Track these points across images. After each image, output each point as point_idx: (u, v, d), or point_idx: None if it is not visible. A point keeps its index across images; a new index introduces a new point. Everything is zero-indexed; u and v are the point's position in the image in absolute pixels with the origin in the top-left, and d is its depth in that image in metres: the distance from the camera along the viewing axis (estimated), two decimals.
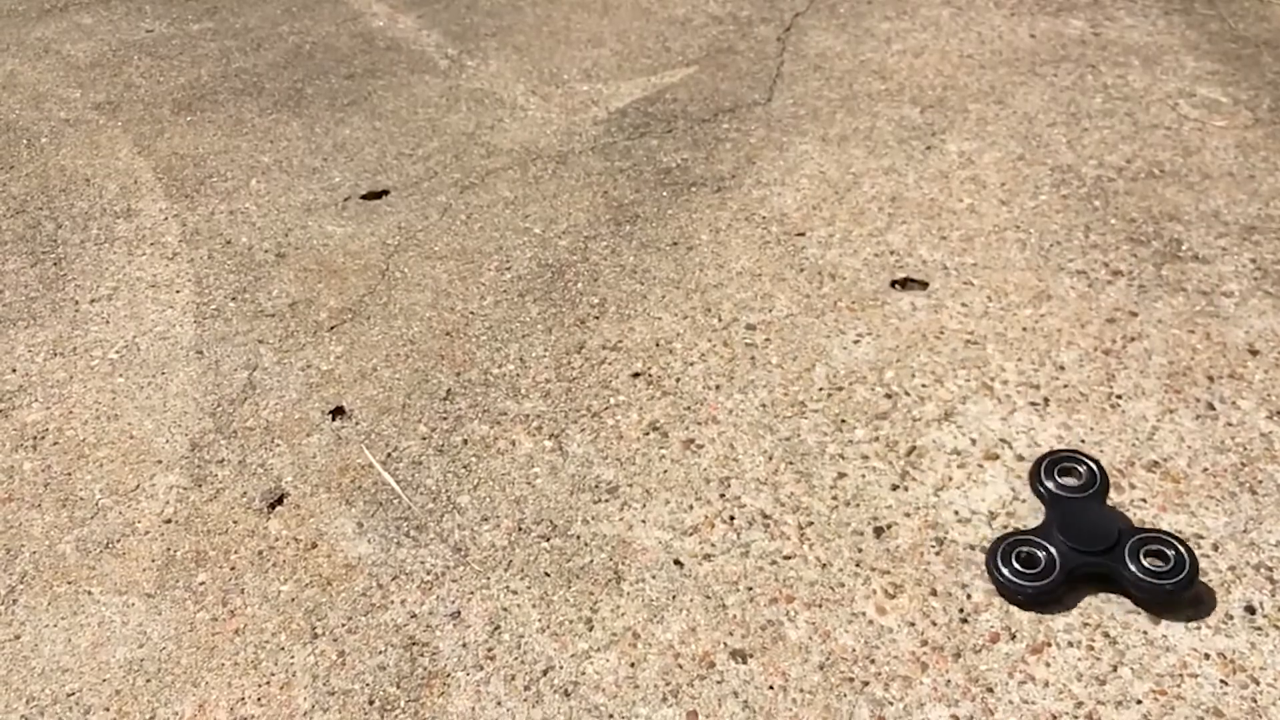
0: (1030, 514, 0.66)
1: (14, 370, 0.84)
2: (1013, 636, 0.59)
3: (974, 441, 0.72)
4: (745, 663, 0.58)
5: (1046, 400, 0.75)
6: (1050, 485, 0.64)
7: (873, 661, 0.58)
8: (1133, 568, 0.59)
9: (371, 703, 0.57)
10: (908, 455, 0.72)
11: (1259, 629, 0.58)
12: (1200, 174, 1.01)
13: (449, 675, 0.59)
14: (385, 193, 1.06)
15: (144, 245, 0.99)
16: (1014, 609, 0.60)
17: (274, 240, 0.99)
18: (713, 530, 0.67)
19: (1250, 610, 0.60)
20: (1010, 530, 0.64)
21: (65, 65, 1.38)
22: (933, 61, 1.27)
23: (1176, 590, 0.58)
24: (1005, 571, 0.60)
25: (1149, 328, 0.82)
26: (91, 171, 1.12)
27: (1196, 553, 0.63)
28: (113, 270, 0.96)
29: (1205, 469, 0.69)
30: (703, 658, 0.59)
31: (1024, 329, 0.82)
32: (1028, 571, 0.60)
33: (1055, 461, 0.66)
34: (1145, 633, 0.59)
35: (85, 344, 0.86)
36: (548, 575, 0.64)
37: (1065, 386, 0.76)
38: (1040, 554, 0.60)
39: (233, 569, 0.66)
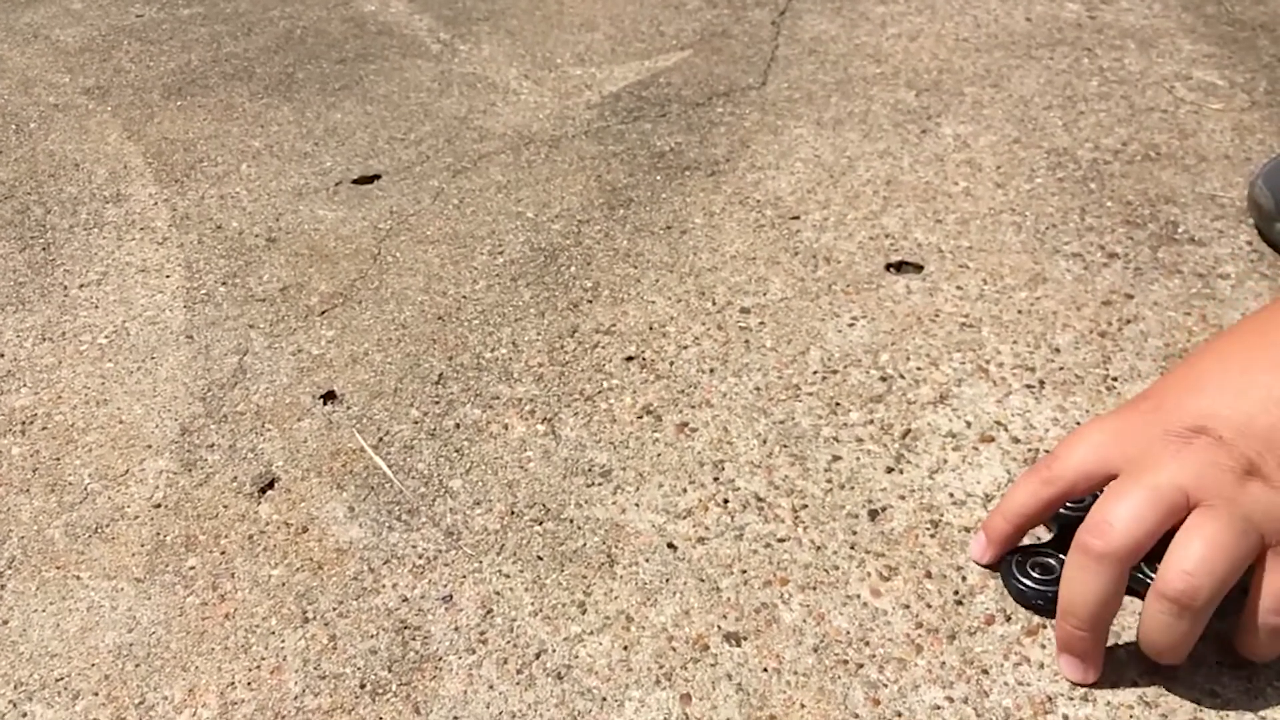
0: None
1: (2, 355, 0.83)
2: (1008, 619, 0.59)
3: (969, 424, 0.72)
4: (739, 645, 0.58)
5: (1042, 383, 0.75)
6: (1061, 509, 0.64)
7: (867, 644, 0.58)
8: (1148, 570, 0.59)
9: (363, 686, 0.57)
10: (902, 438, 0.71)
11: None
12: (1197, 156, 1.01)
13: (441, 659, 0.58)
14: (377, 177, 1.06)
15: (133, 230, 0.98)
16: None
17: (265, 225, 0.98)
18: (706, 513, 0.66)
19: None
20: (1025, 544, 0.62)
21: (54, 50, 1.37)
22: (928, 45, 1.26)
23: None
24: (1025, 580, 0.59)
25: (1145, 310, 0.81)
26: (81, 156, 1.11)
27: None
28: (102, 255, 0.95)
29: None
30: (696, 640, 0.58)
31: (1019, 312, 0.82)
32: (1045, 578, 0.59)
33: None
34: (1140, 614, 0.58)
35: (74, 329, 0.86)
36: (540, 559, 0.64)
37: (1061, 369, 0.76)
38: (1054, 563, 0.60)
39: (223, 553, 0.65)
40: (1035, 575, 0.59)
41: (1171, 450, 0.51)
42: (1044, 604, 0.59)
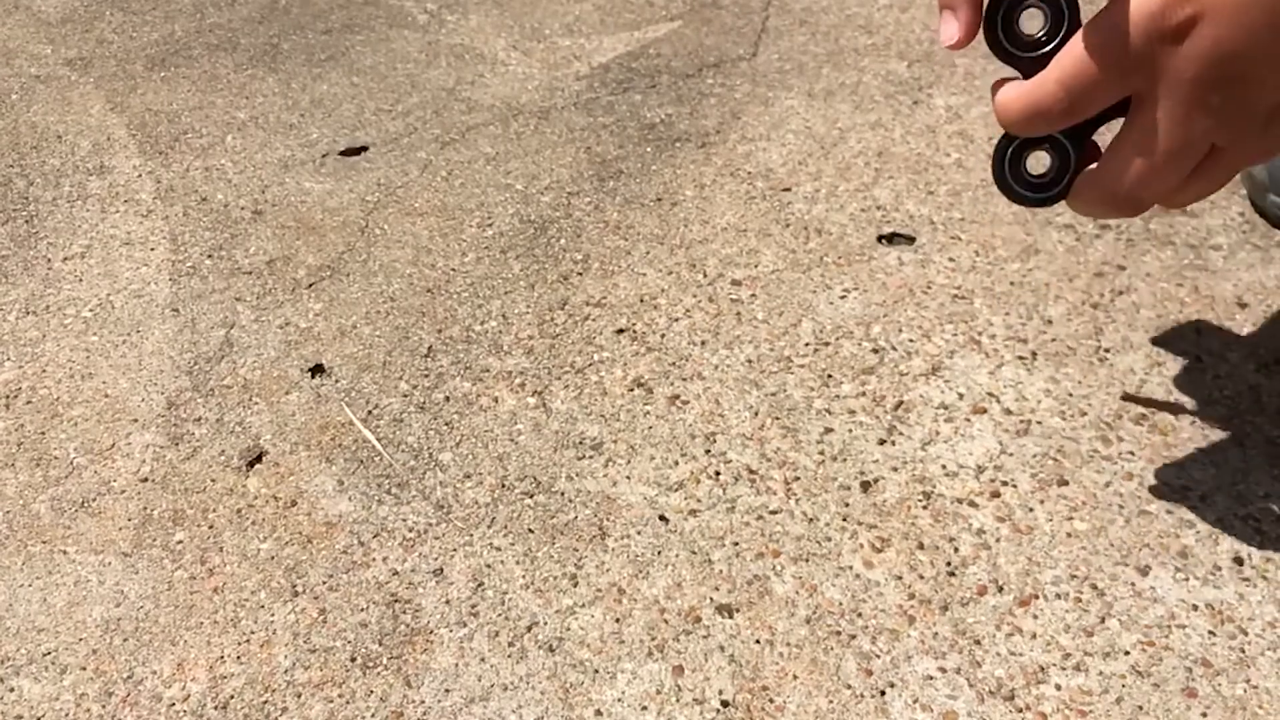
0: (1018, 467, 0.66)
1: None
2: (1000, 589, 0.59)
3: (961, 396, 0.72)
4: (731, 617, 0.58)
5: (1034, 354, 0.75)
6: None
7: (860, 615, 0.58)
8: None
9: (353, 660, 0.57)
10: (895, 410, 0.71)
11: (1247, 580, 0.58)
12: None
13: (432, 632, 0.58)
14: (364, 149, 1.04)
15: (117, 202, 0.97)
16: (1001, 563, 0.60)
17: (251, 197, 0.97)
18: (698, 486, 0.66)
19: (1238, 561, 0.59)
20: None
21: (36, 21, 1.35)
22: (919, 16, 1.25)
23: None
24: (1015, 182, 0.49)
25: (1137, 281, 0.81)
26: (63, 128, 1.10)
27: (1184, 505, 0.63)
28: (86, 228, 0.94)
29: (1193, 422, 0.68)
30: (688, 613, 0.58)
31: (1011, 283, 0.81)
32: (1046, 178, 0.48)
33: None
34: (1133, 585, 0.58)
35: (58, 302, 0.85)
36: (531, 532, 0.64)
37: (1053, 340, 0.76)
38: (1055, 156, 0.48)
39: (211, 527, 0.65)
40: (1033, 178, 0.48)
41: (1197, 99, 0.43)
42: (1044, 202, 0.49)
